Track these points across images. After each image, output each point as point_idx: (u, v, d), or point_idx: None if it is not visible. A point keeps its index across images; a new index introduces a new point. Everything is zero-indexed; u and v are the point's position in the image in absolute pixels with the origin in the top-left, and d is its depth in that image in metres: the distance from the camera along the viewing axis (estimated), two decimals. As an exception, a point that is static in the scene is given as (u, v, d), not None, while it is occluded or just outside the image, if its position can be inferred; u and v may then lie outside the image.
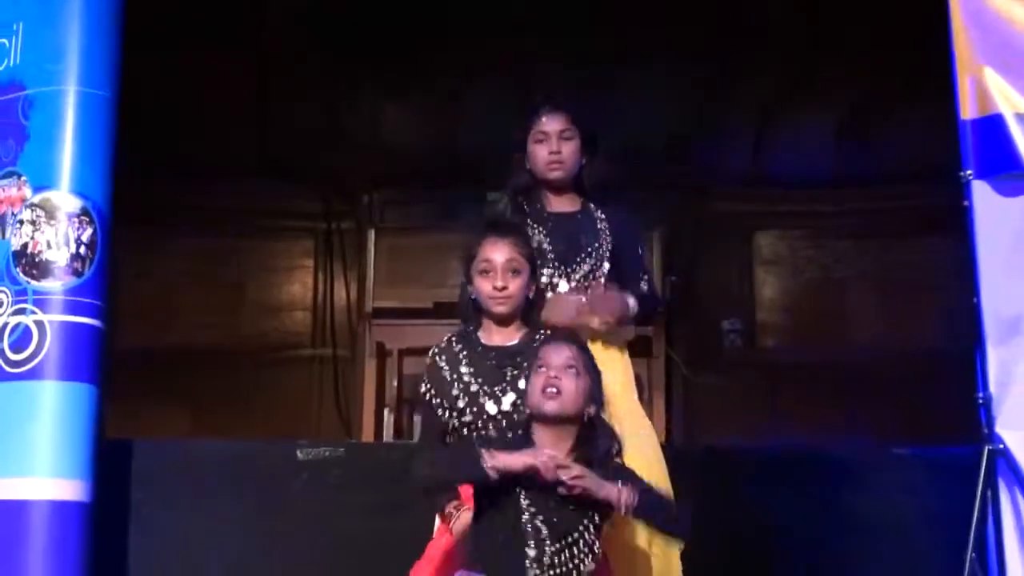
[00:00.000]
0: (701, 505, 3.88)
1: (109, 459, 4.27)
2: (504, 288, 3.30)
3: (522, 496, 2.99)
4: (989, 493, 3.59)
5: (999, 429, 3.64)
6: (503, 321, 3.35)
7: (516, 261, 3.33)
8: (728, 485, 4.40)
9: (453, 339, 3.39)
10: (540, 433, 3.06)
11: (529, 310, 3.39)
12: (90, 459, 4.09)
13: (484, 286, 3.33)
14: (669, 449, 5.12)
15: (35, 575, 3.95)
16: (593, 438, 3.07)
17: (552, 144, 3.73)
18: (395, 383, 6.25)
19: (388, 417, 6.23)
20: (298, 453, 4.50)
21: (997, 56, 3.82)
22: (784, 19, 6.85)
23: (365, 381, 6.40)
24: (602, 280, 3.71)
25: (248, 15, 6.65)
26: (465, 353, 3.34)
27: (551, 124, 3.74)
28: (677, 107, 7.13)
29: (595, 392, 3.09)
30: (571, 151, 3.73)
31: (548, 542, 2.96)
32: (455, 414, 3.29)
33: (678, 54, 6.87)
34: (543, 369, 3.05)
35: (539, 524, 2.97)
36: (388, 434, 6.20)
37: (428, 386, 3.36)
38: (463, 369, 3.31)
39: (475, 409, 3.26)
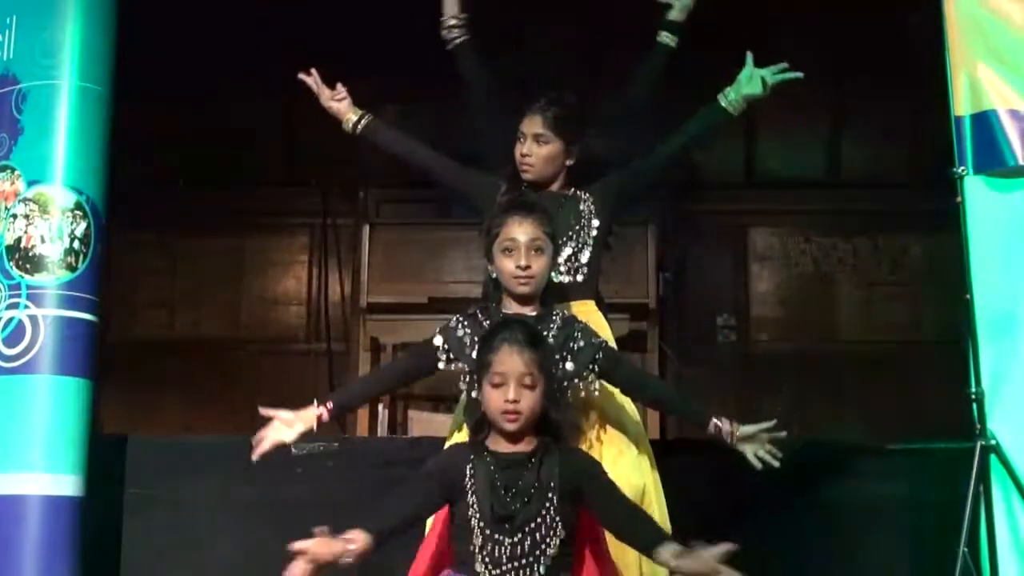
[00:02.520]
0: (692, 498, 3.90)
1: (104, 454, 4.28)
2: (528, 267, 3.24)
3: (470, 492, 2.96)
4: (981, 489, 3.61)
5: (992, 425, 3.67)
6: (525, 300, 3.31)
7: (540, 240, 3.27)
8: (720, 479, 4.38)
9: (476, 311, 3.36)
10: (496, 436, 3.01)
11: (547, 291, 3.36)
12: (84, 454, 4.09)
13: (507, 265, 3.26)
14: (662, 442, 5.16)
15: (28, 569, 3.95)
16: (551, 426, 3.02)
17: (525, 146, 3.71)
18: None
19: (382, 412, 6.23)
20: (292, 448, 4.49)
21: (991, 52, 3.84)
22: (775, 18, 6.85)
23: (359, 376, 6.40)
24: (585, 262, 3.71)
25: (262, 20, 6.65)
26: (488, 322, 3.28)
27: (528, 125, 3.70)
28: (669, 105, 7.13)
29: (550, 391, 3.02)
30: (544, 155, 3.69)
31: (499, 535, 2.93)
32: (473, 376, 3.22)
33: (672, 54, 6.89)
34: (499, 384, 2.96)
35: (483, 518, 2.93)
36: (382, 429, 6.21)
37: (443, 342, 3.31)
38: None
39: None
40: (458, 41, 3.93)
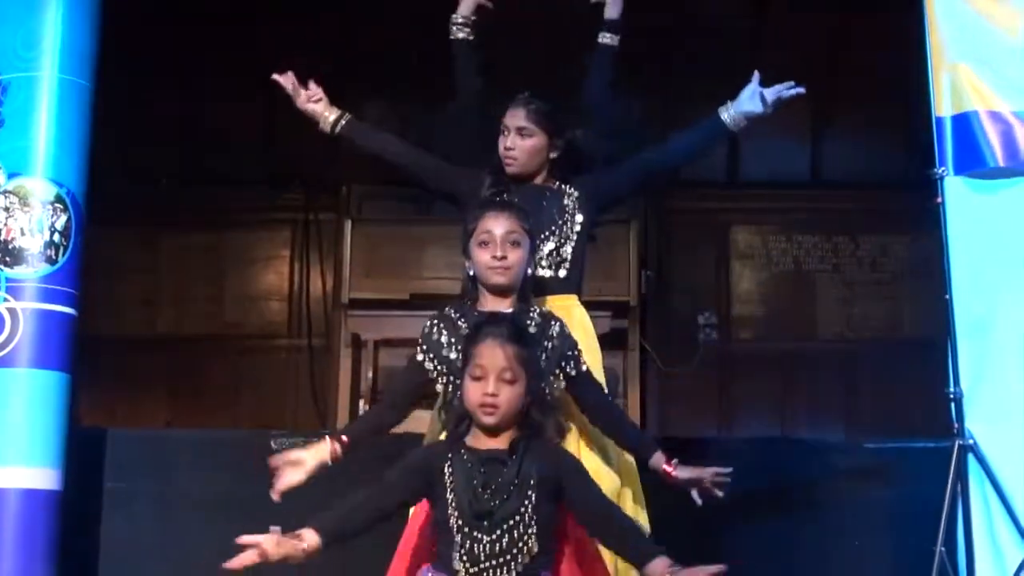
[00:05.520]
0: (671, 497, 3.91)
1: (83, 447, 4.27)
2: (504, 258, 3.25)
3: (449, 490, 2.95)
4: (959, 488, 3.63)
5: (970, 424, 3.68)
6: (501, 294, 3.31)
7: (516, 233, 3.28)
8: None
9: (451, 309, 3.35)
10: (476, 433, 2.99)
11: (525, 287, 3.36)
12: (62, 448, 4.09)
13: (483, 257, 3.27)
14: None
15: (5, 563, 3.94)
16: (532, 424, 2.99)
17: (508, 139, 3.71)
18: (370, 374, 6.25)
19: (363, 408, 6.23)
20: (272, 443, 4.48)
21: (973, 53, 3.85)
22: (757, 18, 6.87)
23: (340, 372, 6.40)
24: (568, 257, 3.71)
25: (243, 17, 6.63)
26: (463, 320, 3.28)
27: (511, 118, 3.71)
28: (654, 104, 7.15)
29: (532, 386, 2.99)
30: (528, 147, 3.69)
31: (478, 533, 2.90)
32: (450, 377, 3.25)
33: (654, 54, 6.91)
34: (480, 377, 2.95)
35: (461, 515, 2.91)
36: (363, 425, 6.20)
37: (423, 346, 3.30)
38: (462, 334, 3.24)
39: None
40: (461, 36, 3.88)
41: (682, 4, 6.71)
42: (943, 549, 3.55)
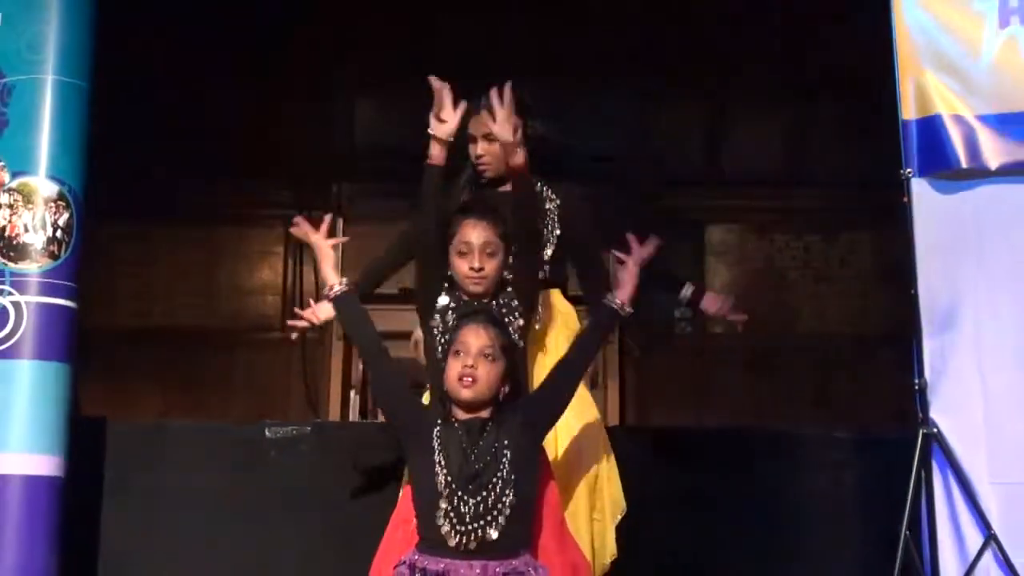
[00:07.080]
0: (647, 484, 4.02)
1: (83, 436, 4.35)
2: (481, 269, 3.48)
3: (437, 451, 3.16)
4: (923, 474, 3.73)
5: (933, 414, 3.77)
6: (478, 299, 3.51)
7: (493, 244, 3.49)
8: (677, 466, 4.49)
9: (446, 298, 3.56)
10: (456, 409, 3.22)
11: (502, 288, 3.55)
12: (63, 435, 4.19)
13: (461, 266, 3.50)
14: (619, 428, 5.24)
15: (9, 547, 4.06)
16: (510, 408, 3.24)
17: (478, 147, 3.83)
18: (361, 366, 6.31)
19: (354, 398, 6.30)
20: (266, 432, 4.57)
21: (938, 60, 3.95)
22: (736, 20, 6.95)
23: (332, 363, 6.47)
24: (546, 262, 3.84)
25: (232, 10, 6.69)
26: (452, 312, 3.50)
27: (476, 127, 3.81)
28: (635, 105, 7.23)
29: (510, 371, 3.24)
30: (497, 151, 3.77)
31: (464, 495, 3.12)
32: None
33: (640, 56, 7.00)
34: (460, 354, 3.21)
35: (451, 476, 3.13)
36: (354, 414, 6.28)
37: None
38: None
39: None
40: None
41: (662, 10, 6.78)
42: (908, 532, 3.64)
